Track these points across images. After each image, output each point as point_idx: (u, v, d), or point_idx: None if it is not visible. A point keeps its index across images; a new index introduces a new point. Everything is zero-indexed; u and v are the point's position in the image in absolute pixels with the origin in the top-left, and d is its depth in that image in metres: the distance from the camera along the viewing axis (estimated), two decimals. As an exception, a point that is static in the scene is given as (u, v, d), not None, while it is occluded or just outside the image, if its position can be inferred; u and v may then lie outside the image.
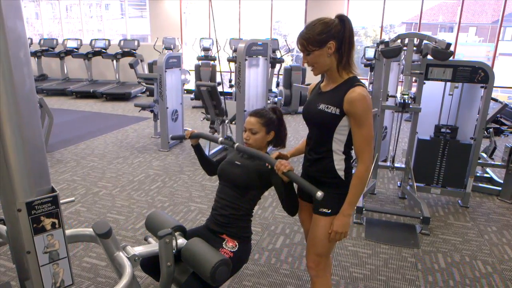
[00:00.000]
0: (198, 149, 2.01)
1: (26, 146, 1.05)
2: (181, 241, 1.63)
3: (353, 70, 1.56)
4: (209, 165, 2.02)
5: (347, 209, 1.57)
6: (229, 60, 7.97)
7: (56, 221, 1.12)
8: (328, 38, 1.47)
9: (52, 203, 1.11)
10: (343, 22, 1.48)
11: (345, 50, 1.50)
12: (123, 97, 8.46)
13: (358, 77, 1.58)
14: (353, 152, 1.62)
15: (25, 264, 1.13)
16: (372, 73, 7.15)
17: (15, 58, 1.01)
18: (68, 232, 1.51)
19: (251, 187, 1.74)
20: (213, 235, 1.77)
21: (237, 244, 1.73)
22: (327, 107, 1.54)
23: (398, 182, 3.96)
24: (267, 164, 1.66)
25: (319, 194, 1.40)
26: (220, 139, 1.91)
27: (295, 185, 1.58)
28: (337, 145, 1.59)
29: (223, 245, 1.71)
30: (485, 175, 4.14)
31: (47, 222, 1.10)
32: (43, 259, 1.11)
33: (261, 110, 1.85)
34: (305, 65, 1.59)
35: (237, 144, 1.81)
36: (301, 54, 1.55)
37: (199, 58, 8.24)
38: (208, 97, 4.39)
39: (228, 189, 1.78)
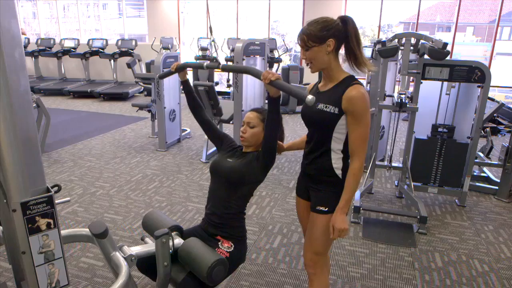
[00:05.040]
0: (186, 85, 1.97)
1: (21, 146, 1.05)
2: (178, 241, 1.63)
3: (368, 67, 1.56)
4: (195, 102, 1.98)
5: (343, 207, 1.57)
6: (227, 60, 7.97)
7: (51, 221, 1.12)
8: (328, 35, 1.49)
9: (47, 203, 1.10)
10: (345, 22, 1.51)
11: (355, 47, 1.52)
12: (121, 97, 8.44)
13: (356, 76, 1.59)
14: None
15: (20, 264, 1.13)
16: (370, 72, 7.15)
17: (10, 58, 1.01)
18: (64, 232, 1.51)
19: (242, 182, 1.74)
20: (209, 236, 1.77)
21: (232, 244, 1.73)
22: (326, 107, 1.56)
23: (396, 182, 3.97)
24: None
25: (310, 97, 1.33)
26: (206, 63, 1.84)
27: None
28: (336, 144, 1.60)
29: (219, 245, 1.71)
30: (482, 174, 4.15)
31: (42, 222, 1.10)
32: (38, 259, 1.11)
33: (261, 108, 1.88)
34: (303, 63, 1.60)
35: (222, 64, 1.79)
36: (299, 54, 1.56)
37: (196, 58, 8.23)
38: (206, 97, 4.39)
39: (219, 187, 1.78)
